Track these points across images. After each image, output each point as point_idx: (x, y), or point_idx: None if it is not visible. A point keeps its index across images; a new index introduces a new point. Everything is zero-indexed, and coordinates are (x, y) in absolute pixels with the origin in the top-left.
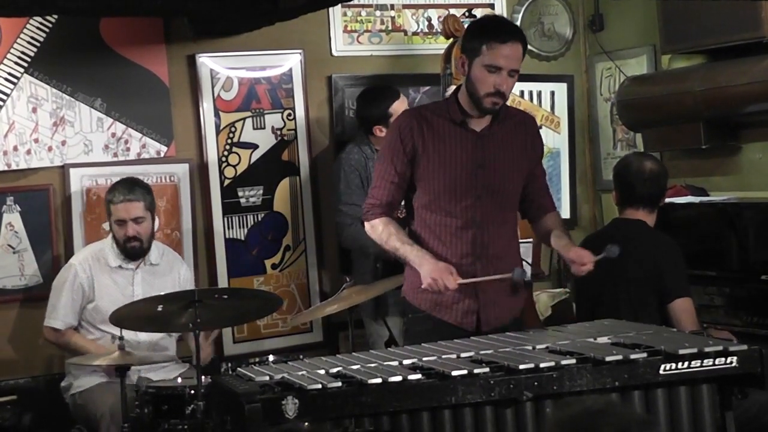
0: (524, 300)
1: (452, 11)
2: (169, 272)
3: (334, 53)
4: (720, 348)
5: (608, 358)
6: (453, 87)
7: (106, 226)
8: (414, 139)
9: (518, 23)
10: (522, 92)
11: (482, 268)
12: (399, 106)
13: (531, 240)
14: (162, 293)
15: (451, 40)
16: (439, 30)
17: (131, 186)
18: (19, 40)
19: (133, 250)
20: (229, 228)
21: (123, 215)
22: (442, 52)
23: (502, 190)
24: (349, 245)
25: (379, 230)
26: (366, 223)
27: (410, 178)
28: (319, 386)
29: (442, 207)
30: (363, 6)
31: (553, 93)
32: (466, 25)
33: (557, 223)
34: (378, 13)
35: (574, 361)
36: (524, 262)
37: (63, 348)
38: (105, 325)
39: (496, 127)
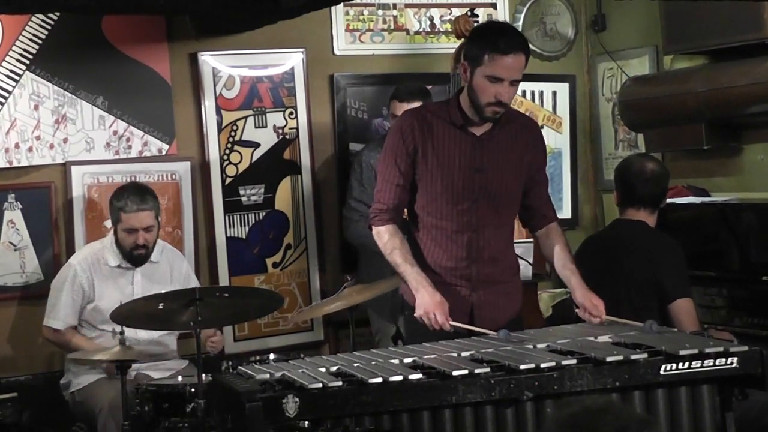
0: (521, 303)
1: (454, 11)
2: (169, 269)
3: (336, 52)
4: (720, 349)
5: (609, 358)
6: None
7: (107, 223)
8: (415, 139)
9: (520, 23)
10: (524, 92)
11: (477, 272)
12: (400, 106)
13: (531, 240)
14: (162, 290)
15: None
16: (441, 29)
17: (142, 194)
18: (21, 38)
19: (140, 257)
20: (230, 226)
21: (135, 224)
22: (443, 51)
23: (499, 194)
24: (354, 241)
25: (384, 240)
26: (373, 228)
27: (413, 179)
28: (320, 385)
29: (439, 210)
30: (365, 5)
31: (554, 93)
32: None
33: (567, 251)
34: (380, 12)
35: (574, 360)
36: (525, 262)
37: (62, 347)
38: (105, 325)
39: (497, 131)
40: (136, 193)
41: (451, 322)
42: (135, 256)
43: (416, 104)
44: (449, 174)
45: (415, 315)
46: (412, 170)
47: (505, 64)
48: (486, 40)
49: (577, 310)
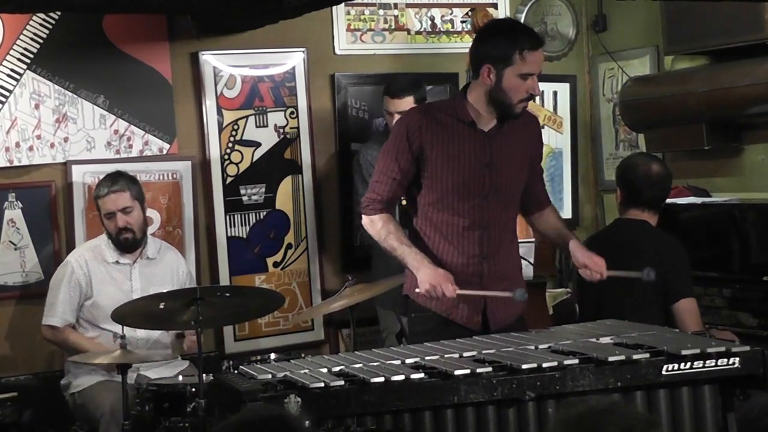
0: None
1: (455, 11)
2: (167, 267)
3: (338, 52)
4: (722, 349)
5: (611, 359)
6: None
7: None
8: (422, 137)
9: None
10: None
11: (488, 268)
12: (396, 103)
13: (533, 240)
14: (161, 288)
15: None
16: (442, 29)
17: (114, 178)
18: (21, 37)
19: (127, 242)
20: (231, 226)
21: (110, 207)
22: (445, 51)
23: (508, 189)
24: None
25: (378, 227)
26: (365, 217)
27: (415, 176)
28: (322, 385)
29: (450, 206)
30: (366, 5)
31: (555, 93)
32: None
33: (560, 221)
34: (381, 11)
35: (576, 361)
36: (527, 262)
37: (61, 346)
38: (105, 323)
39: (504, 126)
40: (108, 178)
41: (459, 291)
42: (122, 241)
43: (408, 98)
44: (460, 170)
45: (419, 291)
46: (414, 167)
47: (537, 59)
48: (513, 39)
49: (579, 271)
